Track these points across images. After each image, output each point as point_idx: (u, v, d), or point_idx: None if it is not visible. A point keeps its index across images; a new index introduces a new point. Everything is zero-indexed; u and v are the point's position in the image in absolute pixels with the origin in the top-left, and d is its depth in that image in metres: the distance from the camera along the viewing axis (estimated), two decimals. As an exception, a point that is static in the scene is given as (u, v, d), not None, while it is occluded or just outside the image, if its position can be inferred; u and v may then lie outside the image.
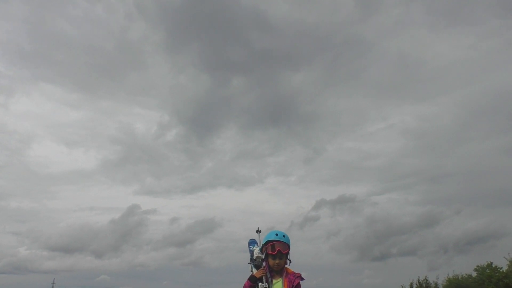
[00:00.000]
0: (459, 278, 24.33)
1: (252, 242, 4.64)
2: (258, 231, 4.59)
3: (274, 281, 4.23)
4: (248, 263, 4.40)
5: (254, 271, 4.28)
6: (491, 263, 22.66)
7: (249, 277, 4.23)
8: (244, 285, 4.22)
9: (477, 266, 23.38)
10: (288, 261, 4.35)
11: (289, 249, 4.31)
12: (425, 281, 28.46)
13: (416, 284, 29.33)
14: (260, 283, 4.12)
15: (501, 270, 21.90)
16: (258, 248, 4.38)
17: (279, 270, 4.31)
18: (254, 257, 4.31)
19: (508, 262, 21.63)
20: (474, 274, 23.45)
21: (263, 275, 4.18)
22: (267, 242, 4.33)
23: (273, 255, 4.24)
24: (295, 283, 4.20)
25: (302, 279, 4.26)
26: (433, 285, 27.57)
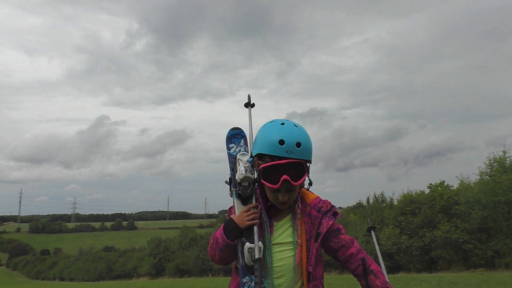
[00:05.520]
0: (413, 194, 24.20)
1: (236, 137, 2.11)
2: (249, 104, 2.13)
3: (276, 224, 1.89)
4: (227, 183, 1.99)
5: (238, 205, 1.88)
6: (443, 181, 22.45)
7: (226, 226, 1.84)
8: (215, 237, 1.89)
9: (430, 184, 23.17)
10: (307, 184, 1.96)
11: (309, 164, 1.88)
12: (381, 195, 28.73)
13: (373, 198, 29.64)
14: (247, 243, 1.75)
15: (452, 188, 21.77)
16: (248, 157, 1.92)
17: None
18: (238, 178, 1.85)
19: (459, 181, 21.49)
20: (427, 191, 23.33)
21: (253, 224, 1.80)
22: (260, 156, 1.83)
23: (273, 188, 1.79)
24: (325, 228, 1.86)
25: (336, 214, 1.92)
26: (388, 200, 27.79)
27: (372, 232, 2.42)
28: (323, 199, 1.99)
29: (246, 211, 1.86)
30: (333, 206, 1.95)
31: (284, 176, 1.74)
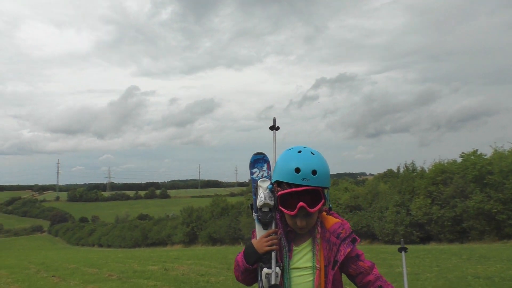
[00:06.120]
0: (445, 163, 23.69)
1: (259, 161, 2.12)
2: (274, 127, 2.15)
3: (295, 248, 1.94)
4: (249, 208, 2.04)
5: (259, 230, 1.95)
6: (476, 150, 21.82)
7: (245, 251, 1.93)
8: (237, 260, 1.99)
9: (463, 153, 22.57)
10: (327, 208, 2.03)
11: (327, 189, 1.91)
12: (412, 164, 28.34)
13: (404, 168, 29.34)
14: (265, 268, 1.83)
15: (485, 157, 21.14)
16: (268, 183, 1.96)
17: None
18: (258, 204, 1.93)
19: (493, 150, 20.84)
20: (459, 160, 22.76)
21: (271, 250, 1.87)
22: (279, 183, 1.91)
23: (291, 215, 1.86)
24: (342, 255, 1.89)
25: (355, 240, 1.95)
26: (419, 169, 27.39)
27: (403, 253, 2.40)
28: (344, 221, 2.02)
29: (266, 237, 1.92)
30: (352, 232, 1.98)
31: (301, 203, 1.80)
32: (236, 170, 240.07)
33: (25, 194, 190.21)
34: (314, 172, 1.83)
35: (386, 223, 22.17)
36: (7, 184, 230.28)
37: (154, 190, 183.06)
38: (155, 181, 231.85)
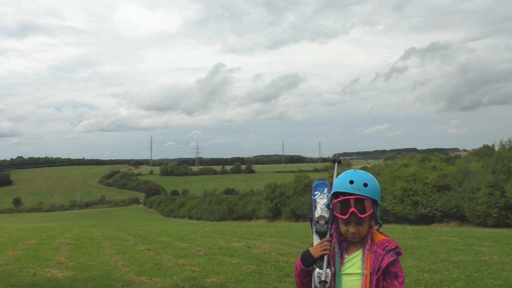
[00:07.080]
0: None
1: (321, 185, 2.48)
2: (337, 161, 2.58)
3: (347, 257, 2.22)
4: (310, 222, 2.35)
5: (316, 239, 2.28)
6: None
7: (302, 255, 2.24)
8: (295, 266, 2.30)
9: None
10: (377, 225, 2.27)
11: (377, 205, 2.20)
12: (509, 142, 26.37)
13: (499, 145, 27.38)
14: (317, 268, 2.15)
15: None
16: (325, 201, 2.30)
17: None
18: (316, 217, 2.28)
19: None
20: None
21: (324, 254, 2.17)
22: (335, 194, 2.25)
23: (344, 219, 2.17)
24: (385, 262, 2.12)
25: (399, 253, 2.17)
26: (517, 147, 25.37)
27: None
28: (391, 240, 2.24)
29: (320, 244, 2.25)
30: (397, 246, 2.21)
31: (352, 209, 2.15)
32: (319, 146, 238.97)
33: (123, 168, 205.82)
34: (365, 185, 2.18)
35: (477, 204, 20.99)
36: (108, 158, 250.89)
37: (240, 165, 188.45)
38: (241, 156, 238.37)
